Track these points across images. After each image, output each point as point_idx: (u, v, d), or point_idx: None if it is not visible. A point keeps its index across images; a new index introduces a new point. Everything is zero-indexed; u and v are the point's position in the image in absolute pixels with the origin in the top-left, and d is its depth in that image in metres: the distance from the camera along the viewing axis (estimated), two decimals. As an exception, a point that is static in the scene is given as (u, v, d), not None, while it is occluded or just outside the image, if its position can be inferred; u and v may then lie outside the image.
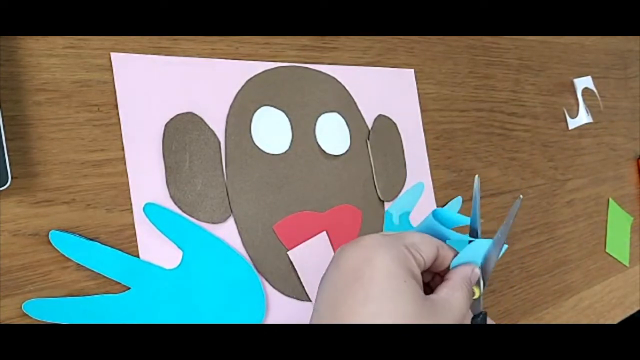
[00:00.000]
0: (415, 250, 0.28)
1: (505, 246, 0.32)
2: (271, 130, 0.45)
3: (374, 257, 0.26)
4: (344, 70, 0.51)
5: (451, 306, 0.27)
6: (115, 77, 0.38)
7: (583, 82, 0.76)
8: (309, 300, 0.44)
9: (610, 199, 0.79)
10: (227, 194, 0.41)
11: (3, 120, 0.32)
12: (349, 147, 0.49)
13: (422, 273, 0.29)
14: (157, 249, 0.38)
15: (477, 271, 0.30)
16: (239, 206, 0.42)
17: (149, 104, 0.39)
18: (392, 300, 0.26)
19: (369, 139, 0.51)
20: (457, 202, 0.57)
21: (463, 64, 0.62)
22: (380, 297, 0.25)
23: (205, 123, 0.41)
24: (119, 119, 0.37)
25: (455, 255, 0.31)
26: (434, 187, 0.56)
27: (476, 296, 0.30)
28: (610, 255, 0.77)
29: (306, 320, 0.44)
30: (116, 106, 0.37)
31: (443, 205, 0.56)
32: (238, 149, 0.42)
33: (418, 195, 0.54)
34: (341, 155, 0.49)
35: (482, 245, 0.31)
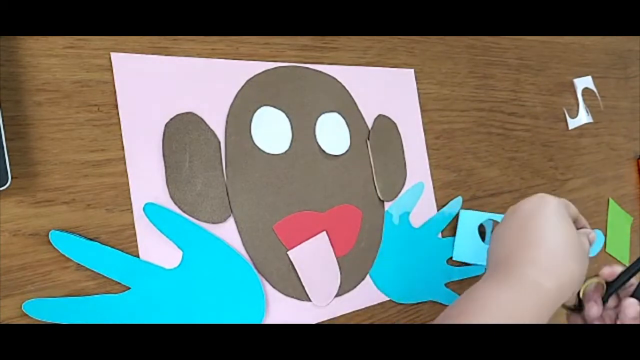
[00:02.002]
0: (570, 206, 0.44)
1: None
2: (271, 130, 0.45)
3: (548, 200, 0.42)
4: (344, 70, 0.51)
5: (584, 245, 0.42)
6: (115, 77, 0.38)
7: (583, 82, 0.76)
8: (309, 300, 0.44)
9: (610, 199, 0.79)
10: (227, 194, 0.41)
11: (3, 120, 0.32)
12: (349, 147, 0.49)
13: None
14: (157, 249, 0.38)
15: (594, 235, 0.44)
16: (239, 206, 0.42)
17: (149, 104, 0.39)
18: (563, 225, 0.40)
19: (369, 139, 0.51)
20: (457, 202, 0.57)
21: (463, 63, 0.62)
22: (557, 223, 0.40)
23: (205, 123, 0.41)
24: (119, 119, 0.37)
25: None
26: (434, 187, 0.56)
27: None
28: (610, 256, 0.76)
29: (306, 320, 0.44)
30: (116, 106, 0.37)
31: (443, 206, 0.56)
32: (238, 149, 0.42)
33: (418, 195, 0.54)
34: (341, 155, 0.49)
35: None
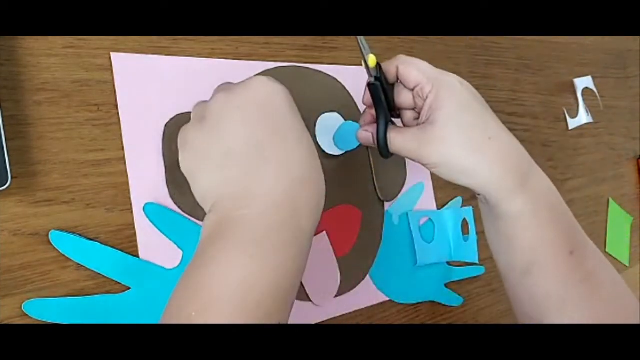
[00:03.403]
0: None
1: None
2: (271, 130, 0.44)
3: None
4: (344, 70, 0.51)
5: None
6: (115, 77, 0.38)
7: (583, 82, 0.76)
8: (309, 300, 0.44)
9: (610, 199, 0.79)
10: (227, 193, 0.41)
11: (3, 120, 0.32)
12: (349, 147, 0.49)
13: None
14: (157, 248, 0.38)
15: None
16: (239, 206, 0.42)
17: (149, 104, 0.39)
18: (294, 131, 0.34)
19: (368, 138, 0.51)
20: (457, 202, 0.57)
21: (463, 63, 0.62)
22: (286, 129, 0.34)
23: (205, 123, 0.41)
24: (119, 119, 0.37)
25: None
26: (434, 187, 0.56)
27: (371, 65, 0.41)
28: (610, 255, 0.76)
29: (306, 320, 0.44)
30: (116, 106, 0.37)
31: (443, 206, 0.56)
32: (238, 148, 0.42)
33: (418, 195, 0.54)
34: (341, 155, 0.48)
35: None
